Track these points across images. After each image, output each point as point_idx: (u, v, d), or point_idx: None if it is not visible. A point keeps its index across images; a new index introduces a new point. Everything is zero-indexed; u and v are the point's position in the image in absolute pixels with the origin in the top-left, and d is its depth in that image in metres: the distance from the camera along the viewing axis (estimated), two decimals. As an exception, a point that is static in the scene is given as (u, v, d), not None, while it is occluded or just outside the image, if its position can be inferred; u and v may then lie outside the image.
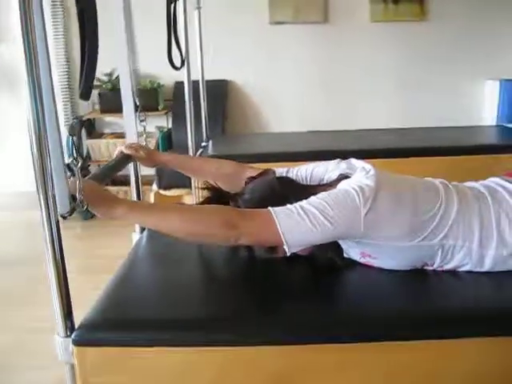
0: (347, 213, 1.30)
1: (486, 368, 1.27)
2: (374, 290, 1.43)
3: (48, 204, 1.13)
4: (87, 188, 1.23)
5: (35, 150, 1.08)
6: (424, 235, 1.35)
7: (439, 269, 1.43)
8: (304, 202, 1.32)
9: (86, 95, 1.30)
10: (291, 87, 4.43)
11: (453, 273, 1.43)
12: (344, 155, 2.78)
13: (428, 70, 4.31)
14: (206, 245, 1.64)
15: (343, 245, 1.45)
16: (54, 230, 1.15)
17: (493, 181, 1.53)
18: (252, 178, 1.59)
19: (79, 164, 1.21)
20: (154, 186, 3.62)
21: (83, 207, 1.20)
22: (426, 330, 1.26)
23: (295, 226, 1.29)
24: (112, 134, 4.50)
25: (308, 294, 1.39)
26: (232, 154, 3.24)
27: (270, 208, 1.31)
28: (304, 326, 1.27)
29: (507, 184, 1.47)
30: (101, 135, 4.49)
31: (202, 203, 1.56)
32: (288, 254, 1.35)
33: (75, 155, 1.21)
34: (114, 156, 1.70)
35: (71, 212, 1.18)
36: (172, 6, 2.63)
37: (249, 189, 1.55)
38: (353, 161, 1.59)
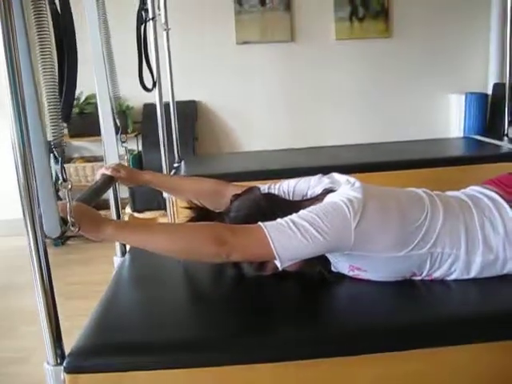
0: (338, 225, 1.31)
1: (476, 374, 1.28)
2: (362, 302, 1.43)
3: (35, 229, 1.11)
4: (77, 210, 1.22)
5: (20, 173, 1.06)
6: (413, 245, 1.36)
7: (427, 278, 1.44)
8: (294, 216, 1.32)
9: (66, 117, 1.28)
10: (260, 106, 4.46)
11: (440, 282, 1.44)
12: (317, 171, 2.83)
13: (394, 86, 4.39)
14: (191, 264, 1.63)
15: (332, 258, 1.45)
16: (42, 255, 1.12)
17: (474, 189, 1.56)
18: (237, 196, 1.59)
19: (69, 186, 1.19)
20: (128, 209, 3.59)
21: (74, 229, 1.18)
22: (414, 340, 1.26)
23: (287, 240, 1.28)
24: (81, 158, 4.46)
25: (296, 311, 1.39)
26: (205, 174, 3.23)
27: (260, 223, 1.31)
28: (292, 343, 1.26)
29: (488, 192, 1.50)
30: (69, 160, 4.43)
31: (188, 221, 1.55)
32: (279, 269, 1.34)
33: (64, 177, 1.18)
34: (97, 178, 1.68)
35: (61, 235, 1.15)
36: (142, 27, 2.64)
37: (235, 206, 1.54)
38: (335, 175, 1.60)
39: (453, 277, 1.43)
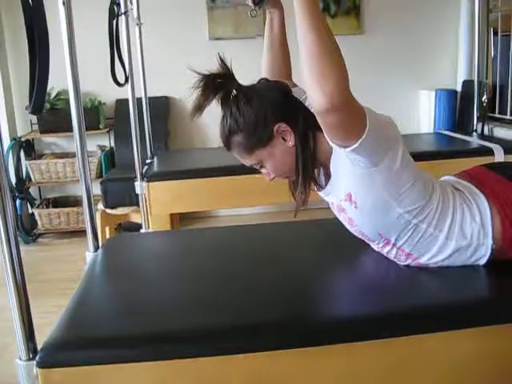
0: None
1: (454, 360, 1.32)
2: (341, 291, 1.48)
3: (7, 225, 1.11)
4: None
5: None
6: (411, 208, 1.40)
7: (400, 253, 1.50)
8: None
9: (38, 110, 1.27)
10: (233, 102, 4.46)
11: (418, 270, 1.50)
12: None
13: (365, 82, 4.41)
14: (163, 258, 1.62)
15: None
16: (14, 252, 1.13)
17: (451, 179, 1.61)
18: None
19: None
20: (100, 206, 3.56)
21: None
22: (394, 328, 1.29)
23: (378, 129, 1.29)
24: (52, 154, 4.41)
25: (275, 297, 1.41)
26: (178, 170, 3.25)
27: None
28: (268, 333, 1.27)
29: (464, 182, 1.55)
30: (40, 156, 4.38)
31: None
32: (343, 151, 1.31)
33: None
34: None
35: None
36: (114, 22, 2.62)
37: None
38: None
39: (424, 258, 1.48)
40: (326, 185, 1.53)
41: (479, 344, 1.32)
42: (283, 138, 1.45)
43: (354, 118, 1.25)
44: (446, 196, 1.46)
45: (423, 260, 1.49)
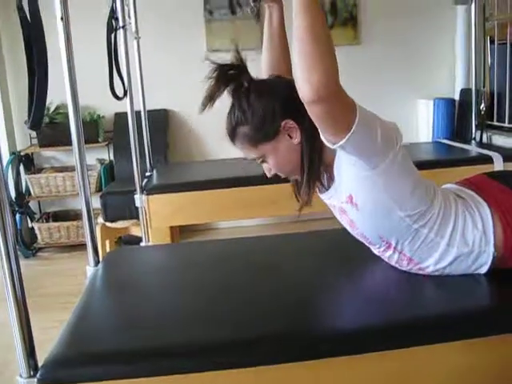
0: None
1: (450, 371, 1.31)
2: (338, 304, 1.47)
3: (7, 241, 1.10)
4: None
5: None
6: (412, 212, 1.40)
7: (402, 258, 1.49)
8: None
9: (37, 125, 1.27)
10: (231, 114, 4.46)
11: (416, 280, 1.49)
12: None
13: (363, 92, 4.40)
14: (164, 272, 1.62)
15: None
16: (14, 265, 1.12)
17: (452, 187, 1.61)
18: None
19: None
20: (100, 219, 3.56)
21: None
22: (391, 341, 1.28)
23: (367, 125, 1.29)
24: (52, 168, 4.40)
25: (274, 310, 1.41)
26: (177, 183, 3.25)
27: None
28: (267, 346, 1.27)
29: (466, 190, 1.56)
30: (40, 170, 4.38)
31: None
32: (333, 147, 1.31)
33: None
34: None
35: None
36: (112, 36, 2.63)
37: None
38: None
39: (425, 264, 1.48)
40: (328, 188, 1.53)
41: (482, 355, 1.31)
42: (289, 135, 1.45)
43: (341, 111, 1.25)
44: (449, 203, 1.47)
45: (424, 265, 1.48)
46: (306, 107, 1.24)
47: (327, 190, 1.53)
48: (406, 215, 1.41)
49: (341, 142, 1.27)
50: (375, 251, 1.58)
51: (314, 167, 1.47)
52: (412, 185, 1.41)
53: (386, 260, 1.56)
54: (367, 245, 1.57)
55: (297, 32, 1.20)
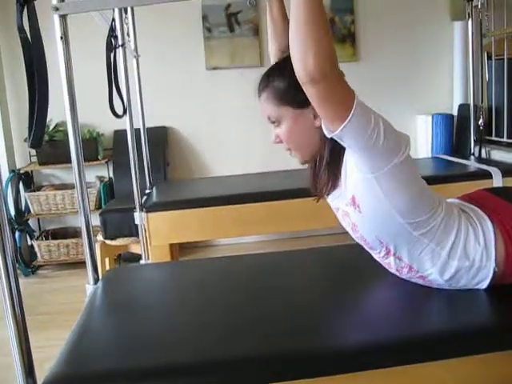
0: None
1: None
2: (345, 319, 1.45)
3: (6, 259, 1.10)
4: None
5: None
6: (413, 220, 1.41)
7: (402, 265, 1.49)
8: None
9: (38, 143, 1.28)
10: (230, 131, 4.49)
11: (421, 295, 1.49)
12: (287, 194, 2.84)
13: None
14: (163, 290, 1.61)
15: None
16: (13, 283, 1.12)
17: (455, 201, 1.61)
18: None
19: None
20: (100, 237, 3.55)
21: None
22: (393, 358, 1.27)
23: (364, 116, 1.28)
24: (51, 185, 4.41)
25: (275, 330, 1.39)
26: (177, 200, 3.25)
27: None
28: (268, 365, 1.25)
29: (469, 205, 1.56)
30: (39, 188, 4.38)
31: None
32: (330, 135, 1.32)
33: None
34: None
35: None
36: (112, 54, 2.64)
37: None
38: None
39: (426, 273, 1.48)
40: (335, 188, 1.53)
41: (485, 371, 1.30)
42: (314, 116, 1.44)
43: (337, 97, 1.25)
44: (452, 215, 1.46)
45: (425, 274, 1.48)
46: (303, 86, 1.25)
47: (334, 189, 1.53)
48: (407, 222, 1.41)
49: (337, 130, 1.28)
50: (375, 256, 1.58)
51: (335, 156, 1.47)
52: (415, 194, 1.41)
53: (386, 267, 1.56)
54: (368, 250, 1.57)
55: (294, 12, 1.21)
